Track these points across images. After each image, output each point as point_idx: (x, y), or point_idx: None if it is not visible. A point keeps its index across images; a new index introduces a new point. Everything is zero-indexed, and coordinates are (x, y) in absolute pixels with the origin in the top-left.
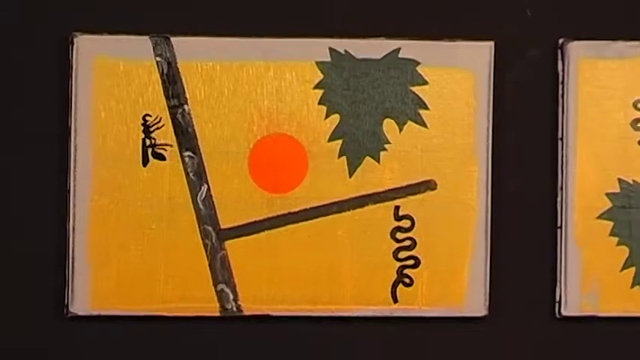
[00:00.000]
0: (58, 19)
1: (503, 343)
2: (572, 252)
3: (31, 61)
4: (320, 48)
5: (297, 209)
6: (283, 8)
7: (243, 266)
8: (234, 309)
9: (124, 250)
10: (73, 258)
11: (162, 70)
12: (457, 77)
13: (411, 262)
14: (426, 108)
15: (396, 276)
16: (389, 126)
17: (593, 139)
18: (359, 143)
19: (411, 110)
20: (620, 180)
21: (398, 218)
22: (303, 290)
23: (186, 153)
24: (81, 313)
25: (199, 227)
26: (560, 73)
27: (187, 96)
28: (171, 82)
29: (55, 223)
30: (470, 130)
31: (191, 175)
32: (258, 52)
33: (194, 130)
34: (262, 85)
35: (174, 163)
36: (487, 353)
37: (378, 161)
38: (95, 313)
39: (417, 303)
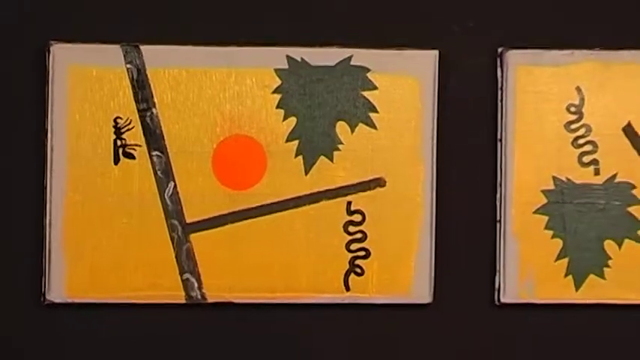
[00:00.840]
0: (36, 29)
1: (447, 328)
2: (510, 244)
3: (11, 68)
4: (278, 56)
5: (256, 205)
6: (244, 19)
7: (207, 257)
8: (199, 297)
9: (97, 243)
10: (49, 250)
11: (132, 76)
12: (404, 83)
13: (362, 253)
14: (376, 111)
15: (348, 266)
16: (342, 128)
17: (529, 140)
18: (314, 144)
19: (362, 113)
20: (554, 178)
21: (350, 213)
22: (263, 279)
23: (155, 153)
24: (57, 300)
25: (166, 221)
26: (499, 80)
27: (155, 100)
28: (141, 87)
29: (32, 217)
30: (416, 132)
31: (159, 173)
32: (221, 59)
33: (162, 132)
34: (225, 90)
35: (143, 162)
36: (432, 337)
37: (332, 160)
38: (70, 300)
39: (367, 291)
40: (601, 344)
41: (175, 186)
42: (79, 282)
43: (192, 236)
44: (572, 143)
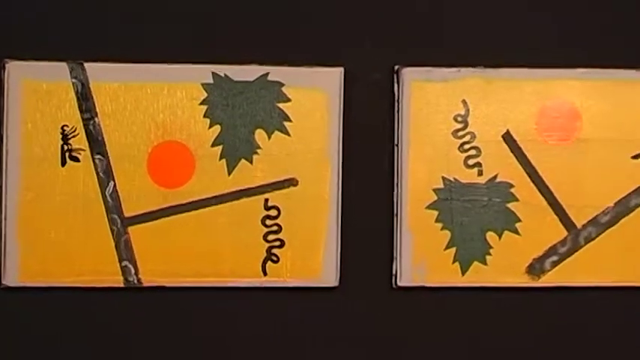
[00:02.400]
0: None
1: (351, 308)
2: (405, 235)
3: None
4: (204, 72)
5: (186, 201)
6: (175, 41)
7: (143, 247)
8: (135, 281)
9: (47, 234)
10: (5, 241)
11: (77, 89)
12: (314, 96)
13: (277, 243)
14: (290, 120)
15: (265, 254)
16: (260, 135)
17: (422, 146)
18: (236, 148)
19: (277, 122)
20: (443, 178)
21: (267, 208)
22: (191, 266)
23: (97, 156)
24: (12, 284)
25: (107, 216)
26: (396, 93)
27: (98, 110)
28: (85, 99)
29: None
30: (324, 138)
31: (101, 174)
32: (155, 75)
33: (103, 138)
34: (158, 102)
35: (87, 165)
36: (338, 315)
37: (251, 163)
38: (23, 284)
39: (282, 276)
40: (483, 322)
41: (115, 185)
42: (31, 268)
43: (130, 229)
44: (459, 148)
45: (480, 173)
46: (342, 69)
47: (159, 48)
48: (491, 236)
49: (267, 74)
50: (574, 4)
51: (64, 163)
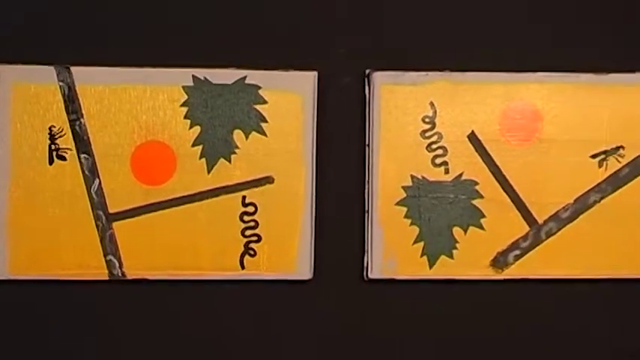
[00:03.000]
0: None
1: (325, 299)
2: (376, 230)
3: None
4: (185, 75)
5: (168, 198)
6: (157, 45)
7: (127, 241)
8: (120, 274)
9: (35, 230)
10: None
11: (64, 91)
12: (289, 98)
13: (254, 238)
14: (266, 121)
15: (243, 249)
16: (238, 135)
17: (392, 146)
18: (215, 148)
19: (254, 123)
20: (412, 176)
21: (245, 205)
22: (173, 259)
23: (83, 155)
24: (1, 277)
25: (93, 212)
26: (367, 96)
27: (83, 112)
28: (71, 101)
29: None
30: (299, 139)
31: (86, 172)
32: (138, 78)
33: (88, 138)
34: (141, 104)
35: (73, 163)
36: (312, 307)
37: (230, 162)
38: (12, 277)
39: (259, 269)
40: (450, 313)
41: (100, 182)
42: (19, 262)
43: (115, 224)
44: (427, 148)
45: (447, 171)
46: (315, 73)
47: (142, 52)
48: (457, 231)
49: (244, 77)
50: (536, 10)
51: (51, 162)
